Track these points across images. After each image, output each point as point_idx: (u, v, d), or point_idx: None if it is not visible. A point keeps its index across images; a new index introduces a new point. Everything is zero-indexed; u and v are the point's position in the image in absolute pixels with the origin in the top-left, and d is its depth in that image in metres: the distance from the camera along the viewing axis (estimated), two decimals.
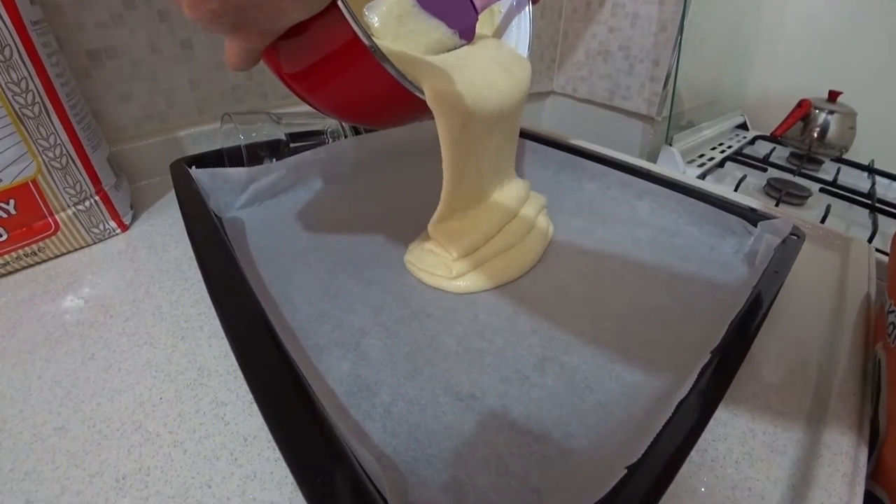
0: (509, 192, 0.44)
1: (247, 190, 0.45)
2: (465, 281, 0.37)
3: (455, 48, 0.36)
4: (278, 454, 0.25)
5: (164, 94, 0.55)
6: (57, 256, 0.41)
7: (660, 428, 0.22)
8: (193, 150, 0.55)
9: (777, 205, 0.71)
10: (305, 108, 0.62)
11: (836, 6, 0.98)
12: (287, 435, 0.20)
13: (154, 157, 0.53)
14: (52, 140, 0.38)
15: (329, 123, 0.53)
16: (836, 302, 0.40)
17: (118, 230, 0.44)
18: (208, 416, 0.27)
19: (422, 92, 0.28)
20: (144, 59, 0.52)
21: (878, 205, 0.74)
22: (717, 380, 0.25)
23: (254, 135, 0.47)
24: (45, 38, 0.37)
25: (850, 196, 0.77)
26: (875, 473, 0.27)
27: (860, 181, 0.87)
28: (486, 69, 0.35)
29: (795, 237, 0.39)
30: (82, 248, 0.42)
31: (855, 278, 0.42)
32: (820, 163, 0.92)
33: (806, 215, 0.60)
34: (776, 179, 0.80)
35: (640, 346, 0.32)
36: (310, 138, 0.51)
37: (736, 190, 0.75)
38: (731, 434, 0.28)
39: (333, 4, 0.22)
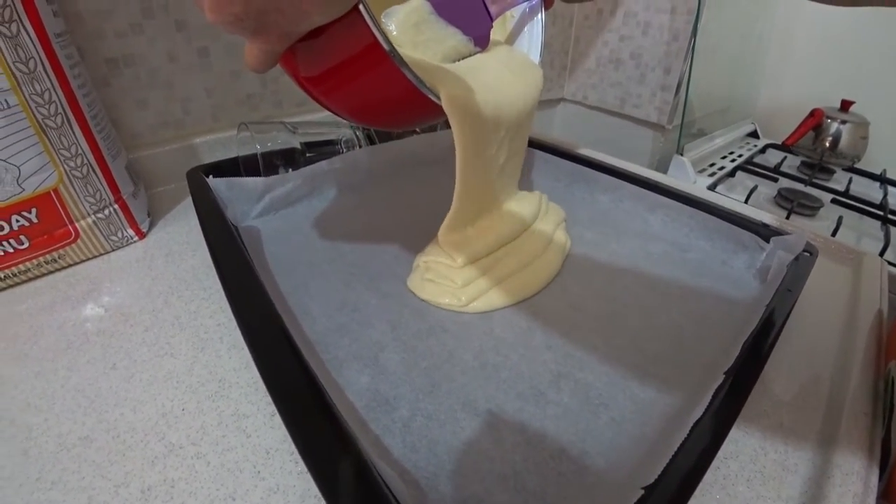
0: (520, 203, 0.44)
1: (262, 199, 0.46)
2: (482, 302, 0.37)
3: (470, 55, 0.36)
4: (301, 468, 0.25)
5: (181, 101, 0.55)
6: (76, 263, 0.42)
7: (675, 449, 0.22)
8: (208, 158, 0.56)
9: (788, 216, 0.71)
10: (320, 116, 0.63)
11: (849, 15, 0.98)
12: (312, 450, 0.20)
13: (170, 164, 0.54)
14: (73, 150, 0.38)
15: (343, 133, 0.53)
16: (847, 318, 0.40)
17: (136, 238, 0.45)
18: (230, 428, 0.28)
19: (438, 97, 0.28)
20: (161, 68, 0.53)
21: (890, 216, 0.73)
22: (731, 401, 0.25)
23: (269, 144, 0.48)
24: (67, 50, 0.38)
25: (862, 207, 0.76)
26: (886, 493, 0.27)
27: (872, 191, 0.86)
28: (499, 75, 0.36)
29: (808, 254, 0.39)
30: (101, 255, 0.43)
31: (867, 294, 0.42)
32: (832, 172, 0.92)
33: (817, 226, 0.60)
34: (787, 189, 0.80)
35: (653, 363, 0.32)
36: (325, 147, 0.51)
37: (747, 200, 0.75)
38: (743, 452, 0.28)
39: (355, 8, 0.22)
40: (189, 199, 0.51)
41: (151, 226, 0.47)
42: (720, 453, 0.27)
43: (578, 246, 0.45)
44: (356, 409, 0.27)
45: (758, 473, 0.27)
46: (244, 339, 0.27)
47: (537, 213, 0.46)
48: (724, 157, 0.94)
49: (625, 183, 0.51)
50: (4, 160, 0.35)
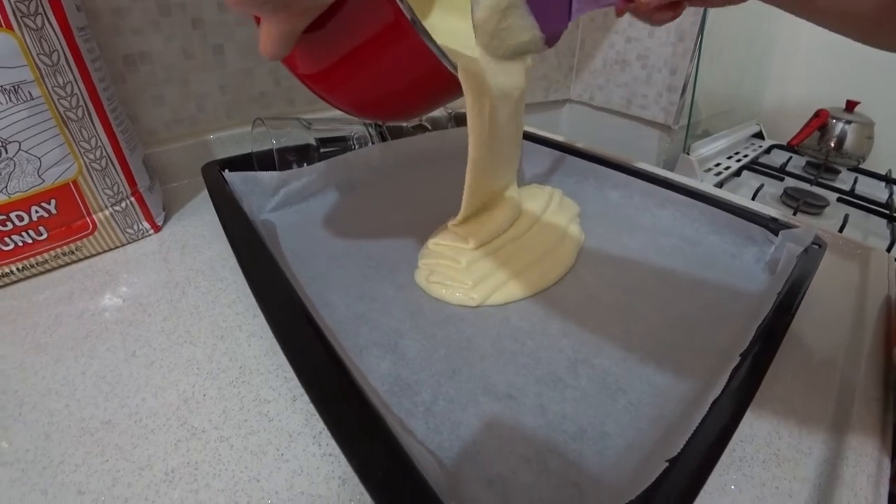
0: (528, 195, 0.46)
1: (278, 193, 0.46)
2: (500, 295, 0.37)
3: (536, 52, 0.36)
4: (324, 450, 0.26)
5: (195, 98, 0.56)
6: (92, 255, 0.42)
7: (696, 424, 0.23)
8: (222, 154, 0.56)
9: (795, 214, 0.71)
10: (333, 113, 0.64)
11: None
12: (344, 430, 0.21)
13: (184, 160, 0.55)
14: (93, 142, 0.39)
15: (355, 130, 0.54)
16: (856, 310, 0.40)
17: (151, 231, 0.45)
18: (252, 412, 0.28)
19: (455, 68, 0.28)
20: (177, 65, 0.53)
21: (895, 215, 0.74)
22: (748, 381, 0.26)
23: (285, 139, 0.48)
24: (89, 44, 0.39)
25: (867, 206, 0.77)
26: None
27: (878, 191, 0.87)
28: None
29: (817, 246, 0.40)
30: (117, 247, 0.43)
31: (875, 286, 0.43)
32: (837, 172, 0.93)
33: (824, 225, 0.60)
34: (793, 189, 0.81)
35: (669, 350, 0.33)
36: (338, 144, 0.52)
37: (753, 199, 0.76)
38: (758, 435, 0.28)
39: None
40: (203, 195, 0.52)
41: (166, 220, 0.48)
42: (735, 436, 0.28)
43: (591, 240, 0.46)
44: (379, 393, 0.28)
45: (773, 455, 0.27)
46: (268, 323, 0.27)
47: (546, 207, 0.46)
48: (729, 158, 0.94)
49: (635, 179, 0.52)
50: (26, 151, 0.35)
